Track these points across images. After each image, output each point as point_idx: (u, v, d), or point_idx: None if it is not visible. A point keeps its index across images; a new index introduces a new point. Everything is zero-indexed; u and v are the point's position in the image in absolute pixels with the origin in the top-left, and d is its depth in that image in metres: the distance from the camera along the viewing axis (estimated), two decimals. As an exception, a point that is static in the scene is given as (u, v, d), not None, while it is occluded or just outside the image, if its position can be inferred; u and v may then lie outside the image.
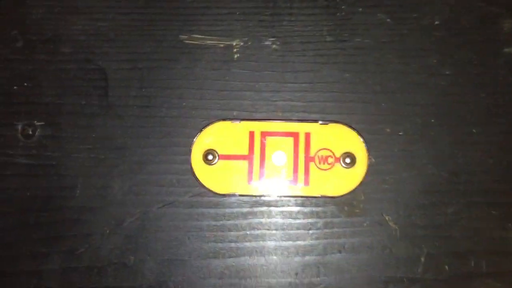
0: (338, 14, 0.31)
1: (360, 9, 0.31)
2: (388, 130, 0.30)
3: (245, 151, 0.29)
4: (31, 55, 0.31)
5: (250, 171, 0.29)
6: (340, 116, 0.30)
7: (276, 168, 0.29)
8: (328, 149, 0.29)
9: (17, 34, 0.31)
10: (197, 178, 0.30)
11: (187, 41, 0.31)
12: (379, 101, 0.30)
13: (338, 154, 0.29)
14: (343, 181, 0.29)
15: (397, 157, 0.30)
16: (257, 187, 0.29)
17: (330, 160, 0.29)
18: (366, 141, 0.30)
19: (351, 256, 0.30)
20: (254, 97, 0.31)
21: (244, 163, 0.29)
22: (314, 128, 0.29)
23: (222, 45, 0.31)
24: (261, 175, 0.29)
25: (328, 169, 0.29)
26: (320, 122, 0.29)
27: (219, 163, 0.29)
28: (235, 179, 0.29)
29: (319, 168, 0.29)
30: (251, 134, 0.29)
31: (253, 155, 0.29)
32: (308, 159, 0.29)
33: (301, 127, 0.29)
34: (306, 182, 0.29)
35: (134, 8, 0.32)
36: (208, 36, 0.31)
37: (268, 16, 0.31)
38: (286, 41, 0.31)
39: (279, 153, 0.29)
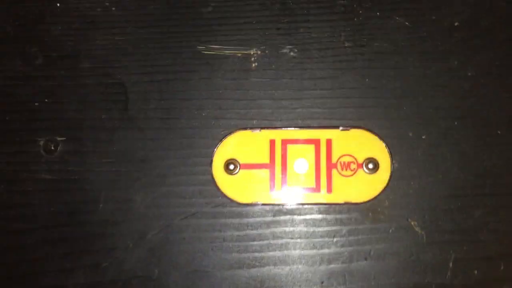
0: (355, 19, 0.31)
1: (378, 13, 0.31)
2: (410, 134, 0.30)
3: (266, 160, 0.29)
4: (51, 72, 0.32)
5: (272, 180, 0.29)
6: (361, 121, 0.30)
7: (298, 176, 0.29)
8: (350, 155, 0.29)
9: (37, 51, 0.32)
10: (219, 188, 0.30)
11: (204, 52, 0.32)
12: (401, 105, 0.30)
13: (360, 160, 0.29)
14: (367, 187, 0.29)
15: (421, 161, 0.30)
16: (279, 196, 0.29)
17: (353, 166, 0.29)
18: (388, 146, 0.30)
19: (377, 263, 0.30)
20: (274, 105, 0.31)
21: (266, 172, 0.29)
22: (335, 134, 0.29)
23: (240, 55, 0.32)
24: (283, 183, 0.29)
25: (351, 175, 0.29)
26: (341, 128, 0.29)
27: (241, 173, 0.29)
28: (257, 188, 0.29)
29: (341, 174, 0.29)
30: (272, 143, 0.29)
31: (275, 163, 0.29)
32: (331, 166, 0.29)
33: (322, 134, 0.29)
34: (329, 189, 0.29)
35: (151, 21, 0.32)
36: (225, 46, 0.32)
37: (285, 24, 0.32)
38: (304, 48, 0.31)
39: (301, 160, 0.29)
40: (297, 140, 0.29)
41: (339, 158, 0.29)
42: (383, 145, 0.29)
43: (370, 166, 0.29)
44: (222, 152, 0.30)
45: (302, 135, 0.29)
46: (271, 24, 0.32)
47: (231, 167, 0.29)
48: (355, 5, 0.31)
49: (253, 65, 0.31)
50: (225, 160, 0.30)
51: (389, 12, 0.31)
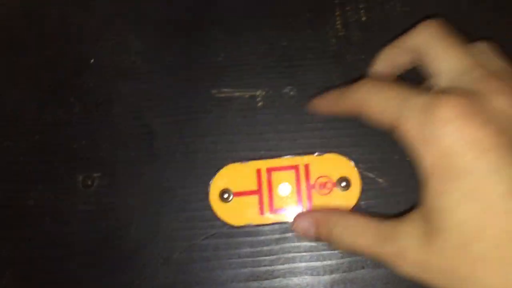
0: (344, 62, 0.35)
1: (363, 56, 0.35)
2: (396, 157, 0.33)
3: (254, 187, 0.32)
4: (87, 117, 0.35)
5: (261, 204, 0.32)
6: (355, 148, 0.33)
7: (283, 198, 0.32)
8: (326, 176, 0.32)
9: (74, 100, 0.35)
10: (216, 214, 0.32)
11: (217, 95, 0.35)
12: (387, 133, 0.33)
13: (334, 179, 0.32)
14: (342, 202, 0.32)
15: (406, 180, 0.33)
16: (268, 217, 0.32)
17: (329, 185, 0.32)
18: (378, 168, 0.33)
19: (373, 271, 0.33)
20: (278, 138, 0.34)
21: (255, 197, 0.32)
22: (311, 159, 0.32)
23: (247, 96, 0.35)
24: (270, 206, 0.32)
25: (327, 193, 0.32)
26: (316, 154, 0.32)
27: (234, 200, 0.32)
28: (248, 212, 0.32)
29: (320, 193, 0.32)
30: (258, 171, 0.32)
31: (262, 189, 0.32)
32: (310, 187, 0.32)
33: (300, 160, 0.32)
34: (310, 207, 0.32)
35: (171, 70, 0.35)
36: (235, 89, 0.35)
37: (285, 68, 0.35)
38: (302, 88, 0.35)
39: (284, 185, 0.32)
40: (280, 168, 0.32)
41: (316, 180, 0.32)
42: (352, 164, 0.32)
43: (343, 184, 0.31)
44: (216, 182, 0.32)
45: (283, 162, 0.32)
46: (274, 69, 0.35)
47: (226, 195, 0.32)
48: (343, 51, 0.35)
49: (259, 104, 0.35)
50: (219, 190, 0.32)
51: (374, 55, 0.33)
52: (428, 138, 0.22)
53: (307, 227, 0.30)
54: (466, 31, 0.34)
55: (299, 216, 0.31)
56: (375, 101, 0.26)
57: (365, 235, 0.26)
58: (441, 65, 0.25)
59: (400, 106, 0.24)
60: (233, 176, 0.32)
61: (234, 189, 0.32)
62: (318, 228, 0.29)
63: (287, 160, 0.32)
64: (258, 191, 0.32)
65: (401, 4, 0.36)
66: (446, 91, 0.23)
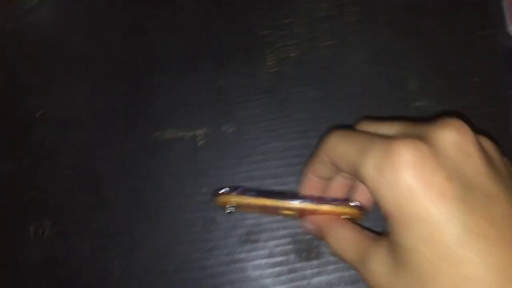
0: (277, 96, 0.37)
1: (294, 89, 0.37)
2: None
3: (259, 210, 0.33)
4: (36, 169, 0.36)
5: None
6: (293, 177, 0.35)
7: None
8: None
9: (24, 153, 0.37)
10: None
11: (160, 137, 0.37)
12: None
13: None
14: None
15: None
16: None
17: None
18: None
19: None
20: (219, 173, 0.36)
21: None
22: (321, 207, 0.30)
23: (189, 135, 0.37)
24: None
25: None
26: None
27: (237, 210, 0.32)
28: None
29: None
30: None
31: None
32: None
33: (309, 206, 0.30)
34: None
35: (114, 118, 0.37)
36: (177, 130, 0.37)
37: (222, 106, 0.37)
38: (240, 124, 0.37)
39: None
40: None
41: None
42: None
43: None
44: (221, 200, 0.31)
45: (290, 205, 0.30)
46: (211, 108, 0.37)
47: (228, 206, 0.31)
48: (276, 85, 0.37)
49: (200, 143, 0.36)
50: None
51: (305, 87, 0.37)
52: (387, 182, 0.23)
53: (310, 229, 0.31)
54: (389, 61, 0.37)
55: (306, 218, 0.31)
56: (338, 147, 0.27)
57: (348, 250, 0.28)
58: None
59: (359, 151, 0.25)
60: (239, 199, 0.31)
61: (238, 205, 0.31)
62: (316, 232, 0.31)
63: (294, 204, 0.30)
64: (263, 211, 0.33)
65: (326, 39, 0.38)
66: (400, 137, 0.24)
